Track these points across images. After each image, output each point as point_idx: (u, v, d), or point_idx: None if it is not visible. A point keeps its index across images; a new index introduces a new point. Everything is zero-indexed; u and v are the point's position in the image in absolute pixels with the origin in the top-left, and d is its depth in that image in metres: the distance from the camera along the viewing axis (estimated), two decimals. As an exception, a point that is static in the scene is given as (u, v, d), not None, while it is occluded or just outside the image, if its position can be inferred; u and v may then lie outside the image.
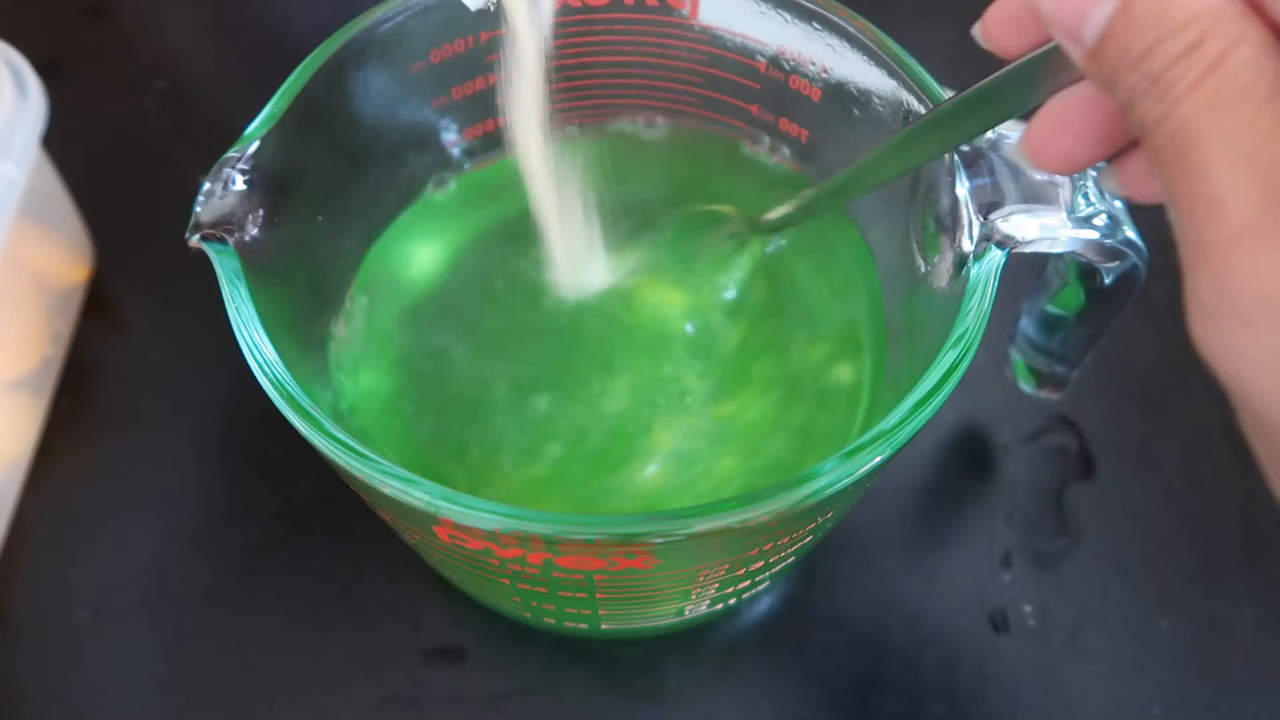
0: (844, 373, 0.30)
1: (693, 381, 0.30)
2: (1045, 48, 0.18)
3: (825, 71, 0.29)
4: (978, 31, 0.20)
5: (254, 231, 0.25)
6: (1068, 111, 0.18)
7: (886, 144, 0.24)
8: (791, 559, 0.27)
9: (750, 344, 0.31)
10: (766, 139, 0.33)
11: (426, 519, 0.22)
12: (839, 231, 0.32)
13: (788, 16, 0.29)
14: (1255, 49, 0.14)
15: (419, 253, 0.32)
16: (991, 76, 0.20)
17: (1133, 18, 0.15)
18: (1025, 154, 0.19)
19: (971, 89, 0.21)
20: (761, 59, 0.31)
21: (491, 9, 0.29)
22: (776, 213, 0.29)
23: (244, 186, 0.25)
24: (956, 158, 0.25)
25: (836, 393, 0.30)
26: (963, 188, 0.24)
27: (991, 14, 0.19)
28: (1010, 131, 0.25)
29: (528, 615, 0.30)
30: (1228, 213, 0.14)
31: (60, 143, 0.36)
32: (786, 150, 0.32)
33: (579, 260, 0.30)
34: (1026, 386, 0.33)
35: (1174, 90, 0.14)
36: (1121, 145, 0.19)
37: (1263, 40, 0.14)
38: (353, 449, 0.22)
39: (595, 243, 0.30)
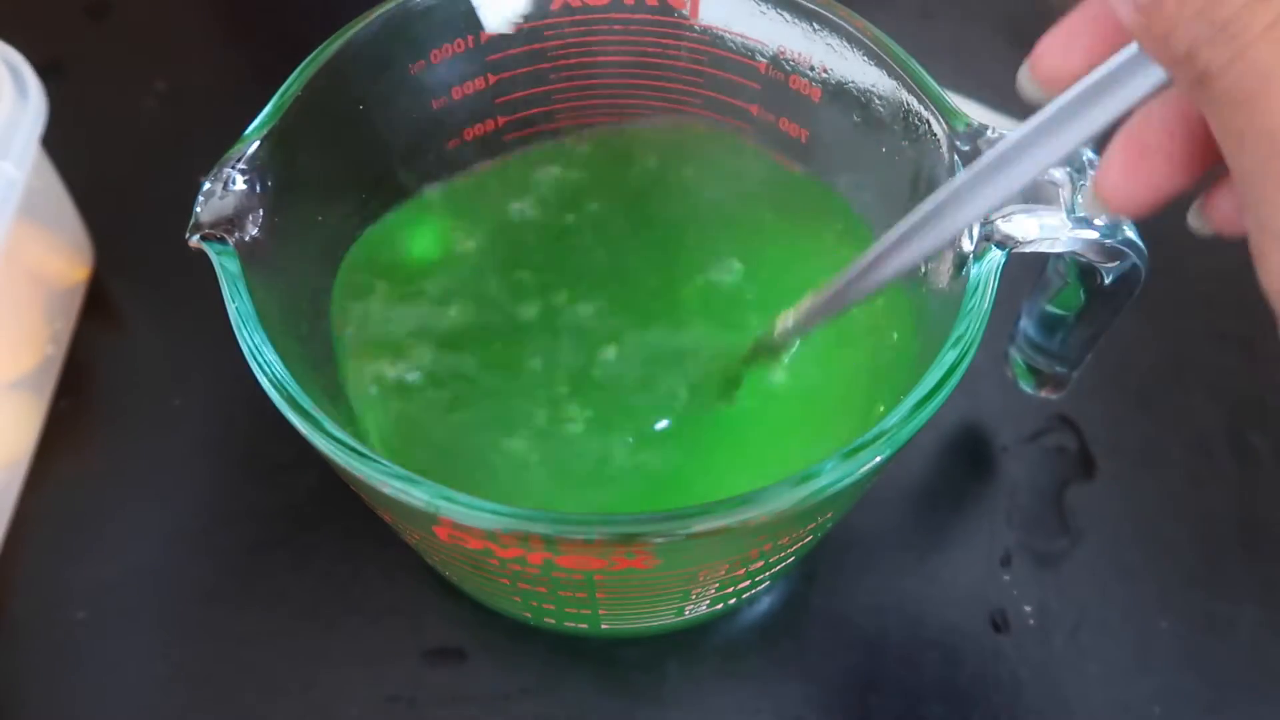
0: (845, 373, 0.30)
1: (692, 385, 0.30)
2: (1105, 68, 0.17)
3: (825, 71, 0.29)
4: (1025, 73, 0.19)
5: (254, 231, 0.25)
6: (1145, 140, 0.17)
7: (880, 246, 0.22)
8: (791, 559, 0.27)
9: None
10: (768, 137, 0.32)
11: (426, 519, 0.22)
12: (846, 235, 0.32)
13: (788, 16, 0.29)
14: None
15: (418, 252, 0.32)
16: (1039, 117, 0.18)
17: None
18: (1102, 199, 0.18)
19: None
20: (761, 59, 0.31)
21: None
22: (779, 332, 0.27)
23: (244, 186, 0.25)
24: (956, 157, 0.25)
25: (838, 393, 0.30)
26: (963, 188, 0.24)
27: (1045, 41, 0.18)
28: (1010, 129, 0.25)
29: (528, 615, 0.30)
30: None
31: (60, 143, 0.36)
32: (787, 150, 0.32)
33: None
34: (1026, 386, 0.33)
35: (1246, 34, 0.15)
36: (1199, 173, 0.18)
37: None
38: (353, 449, 0.22)
39: None
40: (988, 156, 0.20)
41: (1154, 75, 0.17)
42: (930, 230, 0.21)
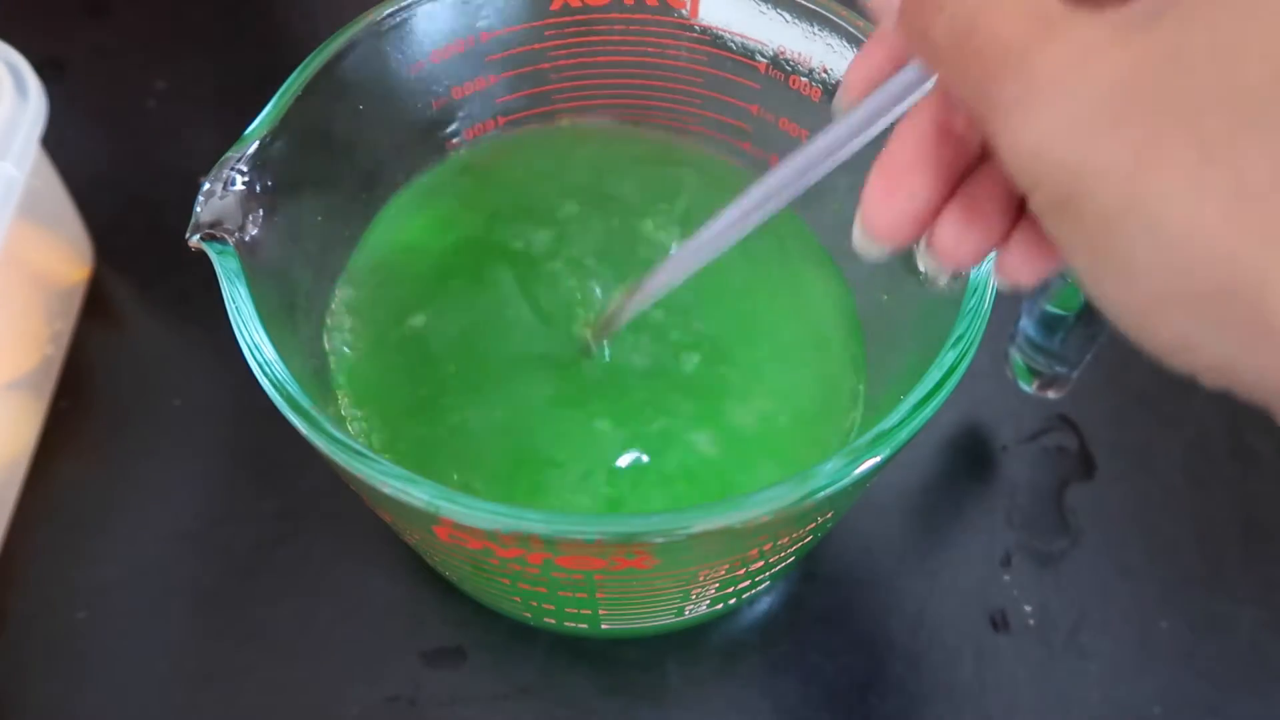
0: (842, 375, 0.30)
1: (690, 391, 0.30)
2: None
3: (825, 72, 0.29)
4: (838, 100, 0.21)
5: (254, 231, 0.25)
6: (898, 160, 0.19)
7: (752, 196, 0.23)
8: (791, 559, 0.27)
9: (746, 352, 0.31)
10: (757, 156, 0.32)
11: (426, 519, 0.22)
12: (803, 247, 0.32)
13: (788, 16, 0.29)
14: None
15: (417, 252, 0.32)
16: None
17: None
18: (867, 225, 0.20)
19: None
20: (761, 59, 0.31)
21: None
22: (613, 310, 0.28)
23: (244, 186, 0.25)
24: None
25: (834, 395, 0.30)
26: (963, 188, 0.24)
27: (852, 74, 0.21)
28: None
29: (528, 615, 0.30)
30: (1012, 36, 0.16)
31: (60, 143, 0.36)
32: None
33: None
34: (1026, 386, 0.33)
35: None
36: (946, 195, 0.19)
37: None
38: (353, 449, 0.22)
39: None
40: (790, 164, 0.21)
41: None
42: (756, 211, 0.22)
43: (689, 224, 0.32)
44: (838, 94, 0.21)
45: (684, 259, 0.24)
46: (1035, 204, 0.16)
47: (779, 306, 0.31)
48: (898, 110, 0.20)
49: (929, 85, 0.19)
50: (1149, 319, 0.15)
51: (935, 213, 0.19)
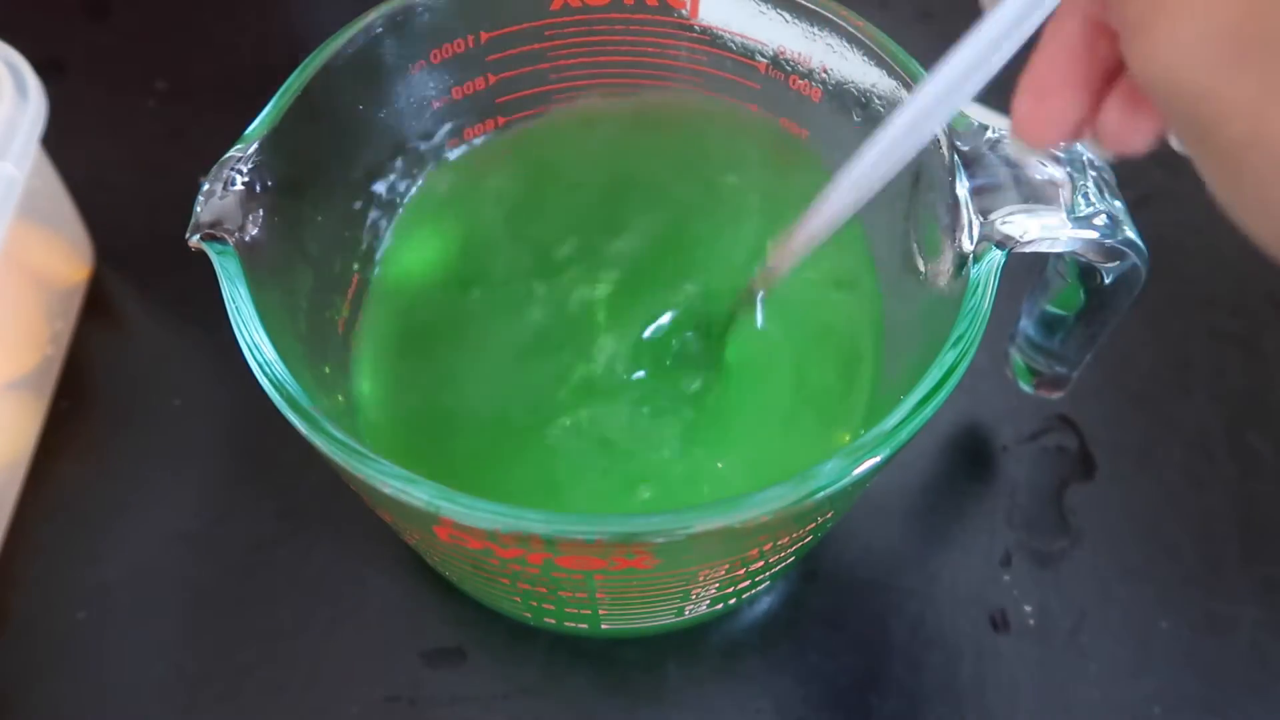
0: (843, 374, 0.30)
1: (690, 387, 0.30)
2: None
3: (825, 71, 0.29)
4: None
5: (254, 231, 0.25)
6: (1046, 73, 0.19)
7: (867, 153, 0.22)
8: (791, 559, 0.27)
9: (747, 349, 0.31)
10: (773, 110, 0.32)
11: (426, 519, 0.22)
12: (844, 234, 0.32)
13: (788, 16, 0.29)
14: None
15: (418, 252, 0.32)
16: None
17: None
18: (1019, 134, 0.20)
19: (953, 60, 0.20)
20: (761, 59, 0.31)
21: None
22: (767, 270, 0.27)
23: (244, 186, 0.25)
24: (956, 157, 0.25)
25: (835, 394, 0.30)
26: (963, 188, 0.25)
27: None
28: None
29: (528, 615, 0.30)
30: None
31: (60, 143, 0.36)
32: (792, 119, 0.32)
33: None
34: (1026, 386, 0.33)
35: None
36: (1100, 93, 0.19)
37: None
38: (352, 449, 0.22)
39: None
40: (931, 83, 0.21)
41: None
42: (896, 147, 0.22)
43: (711, 203, 0.32)
44: None
45: (835, 199, 0.23)
46: (1169, 123, 0.16)
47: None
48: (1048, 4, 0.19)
49: None
50: None
51: (1092, 111, 0.19)
